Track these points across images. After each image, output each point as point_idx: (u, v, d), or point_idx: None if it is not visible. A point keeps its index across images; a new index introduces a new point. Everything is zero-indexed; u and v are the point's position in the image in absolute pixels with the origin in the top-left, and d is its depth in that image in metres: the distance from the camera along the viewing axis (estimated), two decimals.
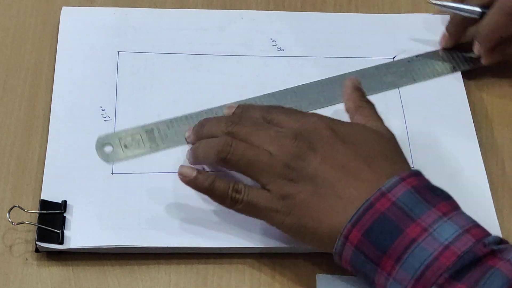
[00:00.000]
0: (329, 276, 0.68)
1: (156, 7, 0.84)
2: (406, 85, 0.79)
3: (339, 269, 0.68)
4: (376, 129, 0.68)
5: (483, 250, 0.58)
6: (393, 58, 0.81)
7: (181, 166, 0.67)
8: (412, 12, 0.85)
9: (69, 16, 0.81)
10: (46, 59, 0.79)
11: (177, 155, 0.72)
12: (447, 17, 0.83)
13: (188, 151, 0.71)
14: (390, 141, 0.67)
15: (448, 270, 0.57)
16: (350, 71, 0.79)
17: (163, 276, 0.67)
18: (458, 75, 0.80)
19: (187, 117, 0.75)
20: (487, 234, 0.60)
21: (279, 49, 0.81)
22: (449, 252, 0.58)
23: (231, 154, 0.66)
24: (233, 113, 0.72)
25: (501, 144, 0.77)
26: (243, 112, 0.71)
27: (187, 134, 0.73)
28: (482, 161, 0.74)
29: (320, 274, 0.68)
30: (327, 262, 0.68)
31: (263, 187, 0.65)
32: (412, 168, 0.64)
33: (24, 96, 0.76)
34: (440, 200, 0.61)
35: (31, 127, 0.74)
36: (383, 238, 0.59)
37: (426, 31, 0.83)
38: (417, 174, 0.63)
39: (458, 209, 0.61)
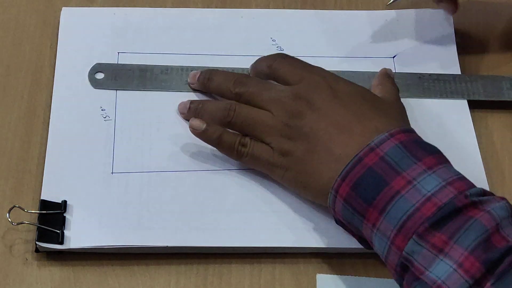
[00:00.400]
0: (329, 276, 0.68)
1: (156, 6, 0.84)
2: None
3: (339, 269, 0.68)
4: (382, 96, 0.71)
5: (463, 201, 0.59)
6: (393, 57, 0.81)
7: (192, 118, 0.71)
8: (412, 8, 0.85)
9: (69, 16, 0.81)
10: (46, 59, 0.79)
11: (177, 155, 0.73)
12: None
13: (181, 104, 0.74)
14: (392, 105, 0.70)
15: (428, 219, 0.59)
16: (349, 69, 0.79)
17: (163, 276, 0.67)
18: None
19: (182, 68, 0.78)
20: (471, 186, 0.61)
21: (279, 49, 0.81)
22: (430, 203, 0.59)
23: (235, 118, 0.71)
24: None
25: (500, 144, 0.77)
26: (254, 64, 0.76)
27: (190, 80, 0.76)
28: (481, 161, 0.74)
29: (320, 274, 0.68)
30: (327, 262, 0.69)
31: (267, 144, 0.69)
32: (405, 126, 0.66)
33: (24, 96, 0.76)
34: (427, 155, 0.63)
35: (31, 127, 0.74)
36: (370, 191, 0.61)
37: (427, 28, 0.83)
38: (407, 130, 0.65)
39: (445, 163, 0.63)
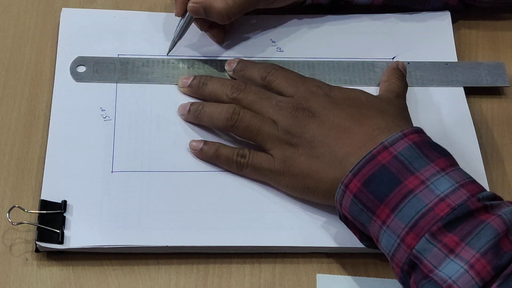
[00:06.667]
0: (329, 276, 0.68)
1: (156, 9, 0.84)
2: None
3: (339, 269, 0.68)
4: (380, 96, 0.72)
5: (476, 204, 0.60)
6: (392, 58, 0.81)
7: (191, 140, 0.73)
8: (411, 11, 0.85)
9: (69, 17, 0.81)
10: (46, 59, 0.79)
11: (177, 155, 0.73)
12: (447, 14, 0.83)
13: (181, 105, 0.75)
14: (391, 103, 0.71)
15: (441, 219, 0.59)
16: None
17: (163, 276, 0.67)
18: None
19: (163, 60, 0.78)
20: (482, 190, 0.62)
21: (279, 50, 0.81)
22: (444, 204, 0.60)
23: (238, 122, 0.71)
24: (233, 70, 0.77)
25: (501, 143, 0.77)
26: (243, 70, 0.76)
27: (181, 84, 0.76)
28: (481, 160, 0.74)
29: (320, 274, 0.68)
30: (327, 262, 0.69)
31: (267, 151, 0.70)
32: (414, 126, 0.67)
33: (24, 96, 0.76)
34: (440, 156, 0.63)
35: (31, 127, 0.74)
36: (382, 188, 0.62)
37: (426, 30, 0.83)
38: (419, 131, 0.66)
39: (456, 166, 0.64)
